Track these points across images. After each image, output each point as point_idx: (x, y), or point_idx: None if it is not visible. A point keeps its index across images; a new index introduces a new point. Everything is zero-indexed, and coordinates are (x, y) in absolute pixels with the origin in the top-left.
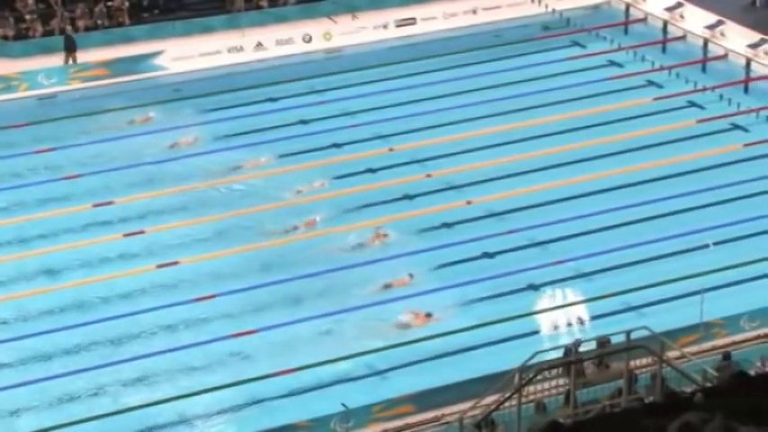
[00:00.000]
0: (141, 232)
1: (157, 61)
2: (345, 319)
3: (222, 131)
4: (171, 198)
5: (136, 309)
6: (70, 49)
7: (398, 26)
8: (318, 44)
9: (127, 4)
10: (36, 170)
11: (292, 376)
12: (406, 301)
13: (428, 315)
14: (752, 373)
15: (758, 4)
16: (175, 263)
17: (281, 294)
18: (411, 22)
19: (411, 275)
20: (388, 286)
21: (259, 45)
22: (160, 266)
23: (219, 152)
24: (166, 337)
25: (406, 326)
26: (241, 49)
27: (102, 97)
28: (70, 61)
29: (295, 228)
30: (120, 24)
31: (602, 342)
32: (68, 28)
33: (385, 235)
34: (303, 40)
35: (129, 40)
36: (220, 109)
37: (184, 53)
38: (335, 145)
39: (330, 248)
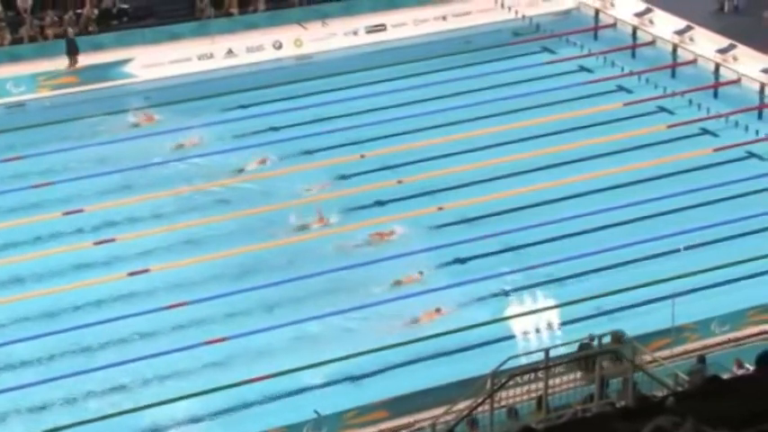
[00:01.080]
0: (113, 240)
1: (127, 69)
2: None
3: (195, 139)
4: (143, 205)
5: (112, 316)
6: (72, 52)
7: (369, 32)
8: (289, 51)
9: (96, 12)
10: (3, 179)
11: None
12: (385, 306)
13: (414, 321)
14: (725, 376)
15: (726, 9)
16: (146, 270)
17: (255, 301)
18: (381, 28)
19: (418, 275)
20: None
21: (229, 52)
22: (131, 274)
23: (192, 159)
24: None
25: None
26: (211, 56)
27: (71, 105)
28: (73, 65)
29: (272, 235)
30: (90, 32)
31: (618, 337)
32: (70, 31)
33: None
34: (274, 46)
35: (98, 47)
36: (192, 116)
37: (154, 60)
38: (307, 152)
39: (308, 252)
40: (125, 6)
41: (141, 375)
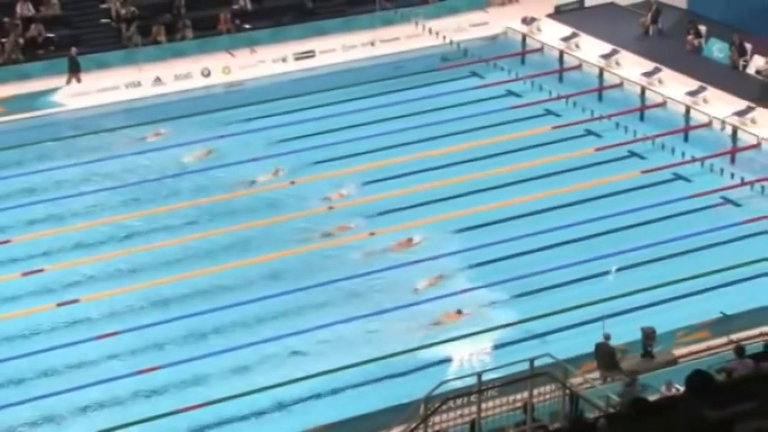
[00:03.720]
0: (41, 270)
1: (55, 98)
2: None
3: (122, 168)
4: (73, 235)
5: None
6: (74, 70)
7: (297, 59)
8: (218, 78)
9: (21, 41)
10: None
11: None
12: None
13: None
14: (652, 398)
15: (651, 32)
16: (76, 300)
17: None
18: (310, 54)
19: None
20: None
21: (157, 80)
22: (60, 304)
23: (120, 188)
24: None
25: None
26: (139, 84)
27: None
28: (73, 82)
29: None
30: (15, 61)
31: (649, 333)
32: (73, 49)
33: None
34: (202, 74)
35: (24, 76)
36: (120, 145)
37: (82, 89)
38: (237, 179)
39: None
40: (51, 35)
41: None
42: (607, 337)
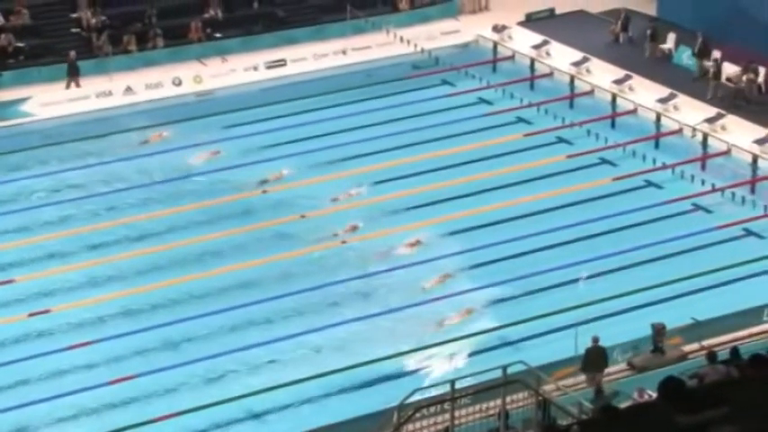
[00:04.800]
0: (11, 281)
1: (25, 108)
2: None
3: (93, 178)
4: (42, 245)
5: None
6: (73, 74)
7: (269, 68)
8: (189, 87)
9: None
10: None
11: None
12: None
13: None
14: (623, 405)
15: (621, 40)
16: (47, 311)
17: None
18: (281, 63)
19: None
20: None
21: (128, 89)
22: (32, 314)
23: (94, 197)
24: None
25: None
26: (110, 93)
27: None
28: (72, 86)
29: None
30: None
31: (659, 329)
32: (72, 53)
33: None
34: (173, 83)
35: None
36: (90, 155)
37: (52, 99)
38: (209, 188)
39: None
40: (21, 45)
41: None
42: (596, 339)
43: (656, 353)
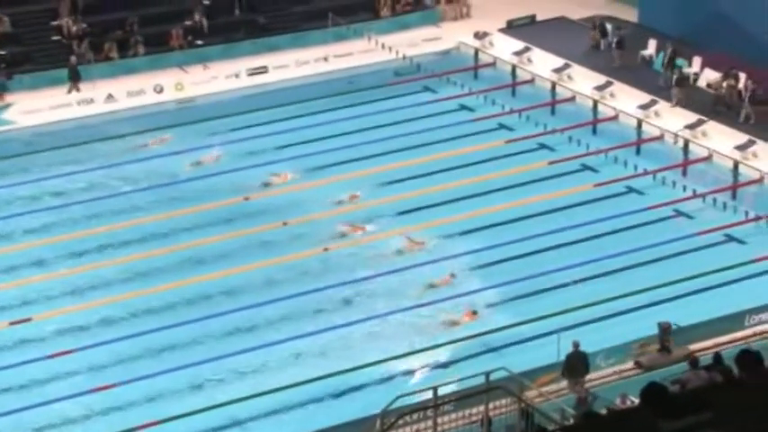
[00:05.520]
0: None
1: (6, 115)
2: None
3: (75, 185)
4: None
5: None
6: (74, 79)
7: (250, 75)
8: (170, 95)
9: None
10: None
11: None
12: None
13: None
14: (605, 411)
15: (602, 47)
16: (28, 319)
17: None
18: (263, 70)
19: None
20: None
21: (110, 97)
22: (13, 323)
23: (71, 205)
24: None
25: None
26: (92, 101)
27: None
28: (74, 91)
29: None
30: None
31: (666, 328)
32: (73, 59)
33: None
34: (155, 90)
35: None
36: (71, 163)
37: (34, 107)
38: (192, 196)
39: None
40: (2, 53)
41: None
42: (576, 344)
43: (663, 352)
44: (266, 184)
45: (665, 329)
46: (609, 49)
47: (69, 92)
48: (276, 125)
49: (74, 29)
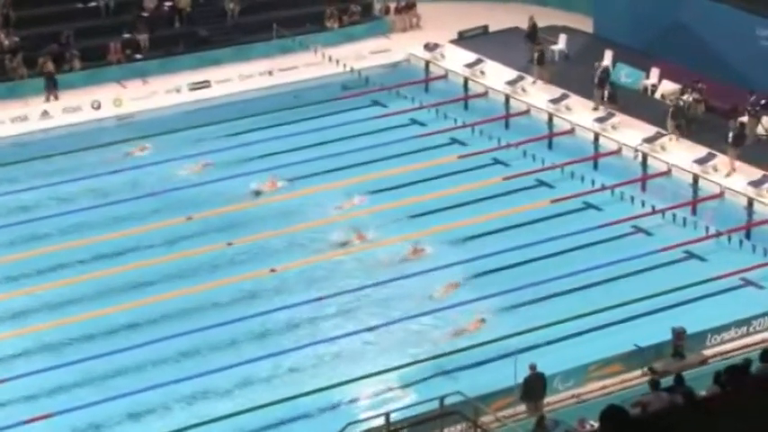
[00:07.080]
0: None
1: None
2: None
3: (14, 205)
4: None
5: None
6: (50, 87)
7: (192, 89)
8: (108, 111)
9: None
10: None
11: None
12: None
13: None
14: None
15: (556, 58)
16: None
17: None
18: (205, 85)
19: None
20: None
21: (45, 113)
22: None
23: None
24: None
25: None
26: (26, 118)
27: None
28: (51, 99)
29: None
30: None
31: (679, 333)
32: (50, 65)
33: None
34: (92, 106)
35: None
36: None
37: None
38: (132, 217)
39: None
40: None
41: None
42: (533, 367)
43: (677, 357)
44: (207, 202)
45: (678, 335)
46: (566, 59)
47: (47, 100)
48: (219, 142)
49: (6, 42)
